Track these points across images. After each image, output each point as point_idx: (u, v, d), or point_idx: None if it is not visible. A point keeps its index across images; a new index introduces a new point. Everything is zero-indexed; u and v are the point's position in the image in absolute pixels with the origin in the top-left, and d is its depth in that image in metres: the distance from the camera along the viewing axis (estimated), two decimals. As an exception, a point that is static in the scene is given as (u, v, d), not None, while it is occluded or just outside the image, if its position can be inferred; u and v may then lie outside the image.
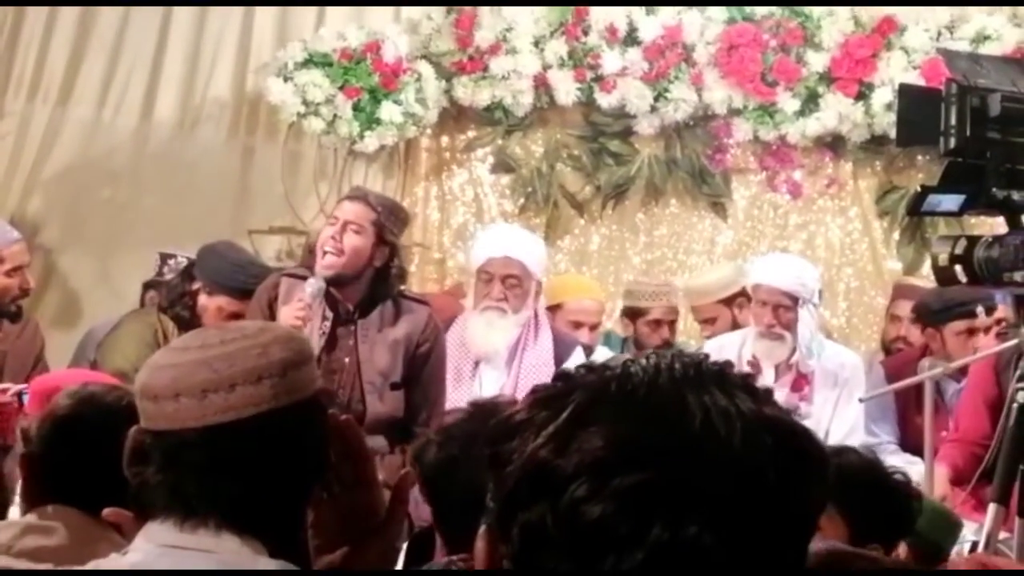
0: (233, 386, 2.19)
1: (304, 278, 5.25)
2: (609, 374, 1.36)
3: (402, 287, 5.42)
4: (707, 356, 1.40)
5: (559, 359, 5.80)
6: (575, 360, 5.82)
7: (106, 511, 2.63)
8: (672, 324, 6.88)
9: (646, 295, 6.85)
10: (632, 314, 6.88)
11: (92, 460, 2.75)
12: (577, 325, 6.44)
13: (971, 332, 5.91)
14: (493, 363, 5.81)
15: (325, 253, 5.12)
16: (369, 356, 5.18)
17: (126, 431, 2.24)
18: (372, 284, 5.22)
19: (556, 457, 1.30)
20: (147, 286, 7.19)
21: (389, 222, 5.25)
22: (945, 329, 6.00)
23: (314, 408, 2.27)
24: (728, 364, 1.39)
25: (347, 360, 5.16)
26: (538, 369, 5.66)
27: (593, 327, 6.54)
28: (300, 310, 5.04)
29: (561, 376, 1.40)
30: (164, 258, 7.26)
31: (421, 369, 5.30)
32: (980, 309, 5.83)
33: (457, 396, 5.72)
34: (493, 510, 1.37)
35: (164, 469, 2.18)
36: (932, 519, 3.97)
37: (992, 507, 3.52)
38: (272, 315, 5.24)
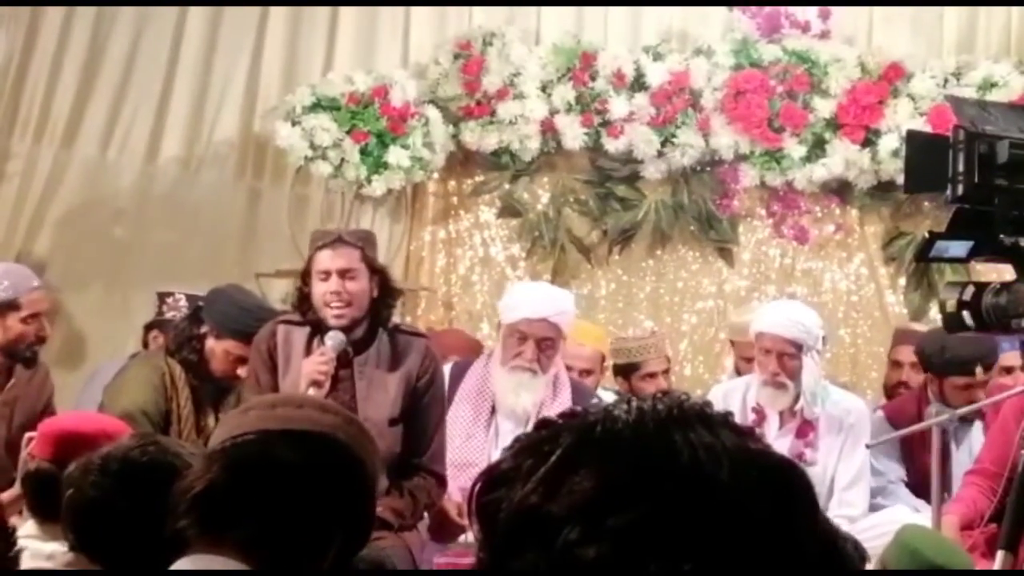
0: (301, 406, 2.29)
1: (300, 324, 5.24)
2: (593, 418, 1.36)
3: (399, 323, 5.42)
4: (687, 396, 1.41)
5: None
6: None
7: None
8: (666, 373, 6.84)
9: (636, 350, 6.76)
10: (625, 371, 6.79)
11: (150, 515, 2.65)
12: (567, 369, 6.30)
13: (969, 387, 5.96)
14: (506, 417, 5.79)
15: (332, 307, 5.11)
16: (367, 394, 5.14)
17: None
18: (372, 315, 5.22)
19: (546, 502, 1.30)
20: (148, 327, 7.18)
21: (371, 252, 5.27)
22: (945, 382, 6.05)
23: (366, 477, 2.31)
24: (708, 403, 1.39)
25: (347, 399, 5.12)
26: None
27: (584, 372, 6.39)
28: (323, 364, 5.02)
29: (544, 424, 1.40)
30: (162, 297, 7.25)
31: (420, 401, 5.28)
32: (979, 369, 5.87)
33: (472, 446, 5.71)
34: (483, 560, 1.36)
35: (211, 470, 2.23)
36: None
37: (1000, 554, 3.51)
38: (273, 363, 5.23)
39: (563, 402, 5.77)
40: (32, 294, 5.71)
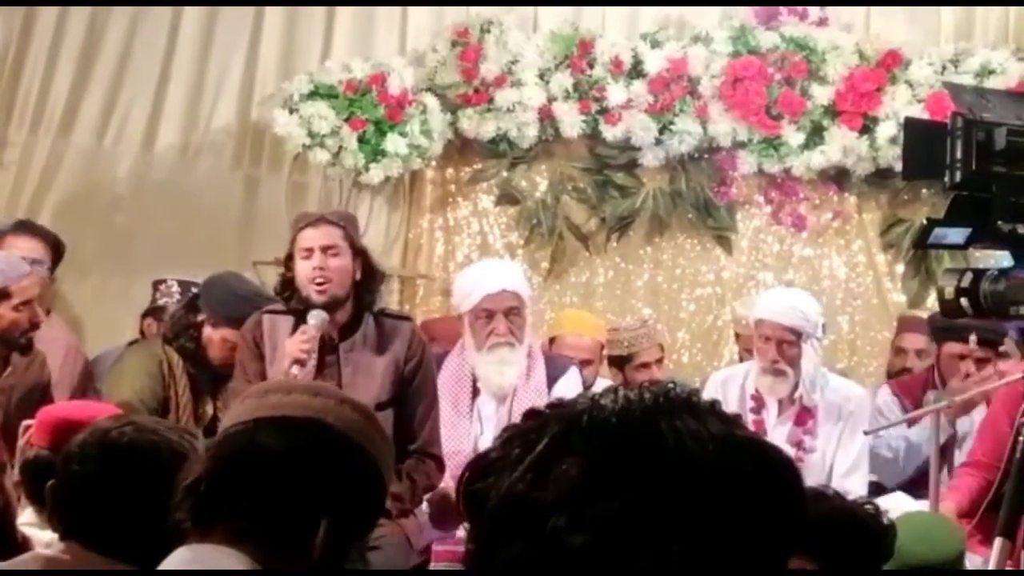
0: (291, 392, 2.33)
1: (284, 313, 5.25)
2: (580, 407, 1.37)
3: (383, 307, 5.42)
4: (674, 384, 1.41)
5: (553, 381, 5.80)
6: (570, 380, 5.82)
7: None
8: (659, 362, 6.82)
9: (628, 341, 6.72)
10: (619, 362, 6.76)
11: (139, 499, 2.68)
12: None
13: (961, 357, 6.03)
14: (491, 397, 5.80)
15: (315, 283, 5.12)
16: (352, 379, 5.15)
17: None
18: (356, 298, 5.23)
19: (534, 490, 1.30)
20: (145, 314, 7.18)
21: (354, 232, 5.29)
22: (942, 348, 6.13)
23: (360, 458, 2.29)
24: (695, 392, 1.40)
25: (333, 384, 5.12)
26: (534, 402, 5.63)
27: (583, 363, 6.36)
28: (305, 342, 5.04)
29: (532, 414, 1.40)
30: (156, 284, 7.25)
31: (410, 386, 5.29)
32: (973, 337, 5.93)
33: (456, 432, 5.71)
34: (472, 551, 1.36)
35: (203, 463, 2.25)
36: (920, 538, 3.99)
37: (998, 541, 3.50)
38: (260, 352, 5.24)
39: (538, 377, 5.83)
40: (22, 281, 5.68)
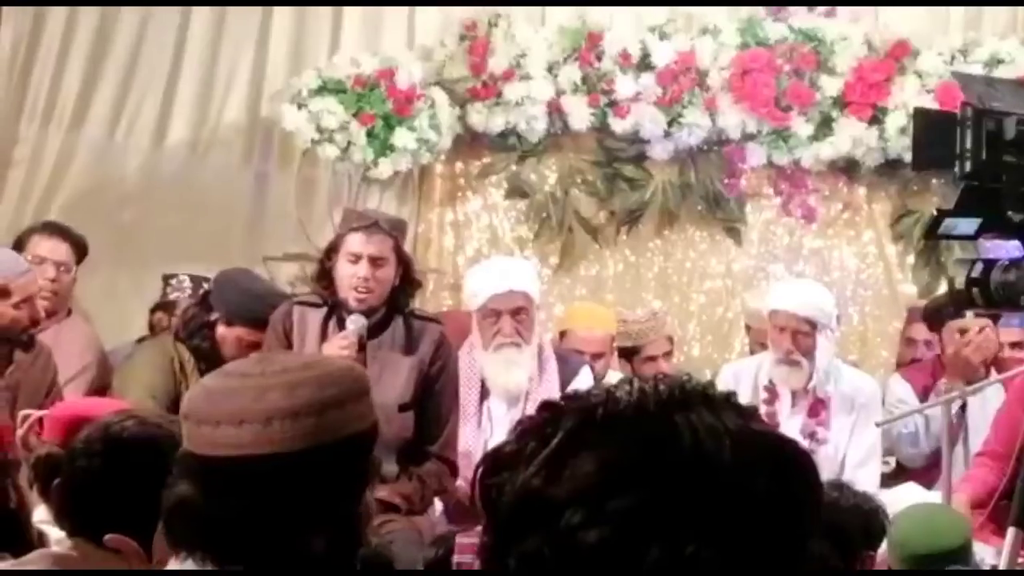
0: (241, 422, 2.19)
1: (316, 305, 5.25)
2: (595, 400, 1.36)
3: (414, 308, 5.42)
4: (689, 377, 1.40)
5: (566, 382, 5.78)
6: (582, 380, 5.80)
7: (109, 537, 2.65)
8: (668, 355, 6.80)
9: (636, 333, 6.72)
10: (627, 353, 6.75)
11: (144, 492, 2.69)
12: (579, 354, 6.26)
13: (962, 331, 6.14)
14: (501, 398, 5.78)
15: (357, 291, 5.12)
16: (379, 378, 5.14)
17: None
18: (389, 301, 5.23)
19: (549, 486, 1.30)
20: (154, 309, 7.19)
21: (403, 241, 5.29)
22: (944, 330, 6.26)
23: (319, 469, 2.19)
24: (710, 384, 1.39)
25: None
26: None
27: (595, 356, 6.33)
28: (345, 348, 5.03)
29: (547, 406, 1.39)
30: (166, 279, 7.25)
31: (432, 387, 5.29)
32: (969, 312, 6.02)
33: (465, 434, 5.70)
34: (487, 543, 1.36)
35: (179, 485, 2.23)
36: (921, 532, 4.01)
37: (1011, 531, 3.50)
38: (289, 343, 5.25)
39: (550, 377, 5.79)
40: (21, 279, 5.64)
